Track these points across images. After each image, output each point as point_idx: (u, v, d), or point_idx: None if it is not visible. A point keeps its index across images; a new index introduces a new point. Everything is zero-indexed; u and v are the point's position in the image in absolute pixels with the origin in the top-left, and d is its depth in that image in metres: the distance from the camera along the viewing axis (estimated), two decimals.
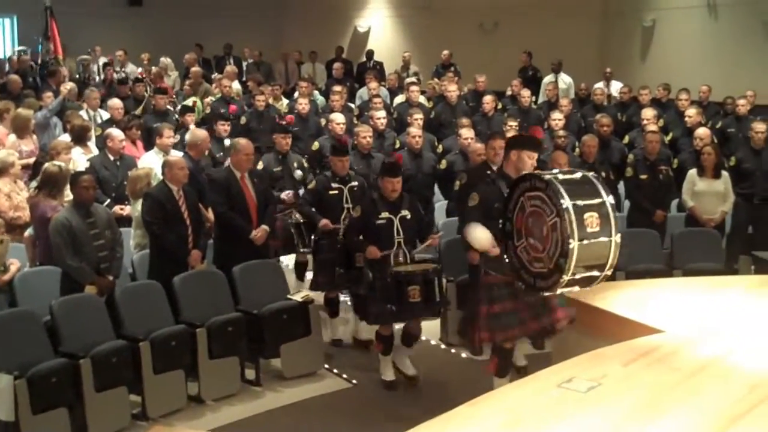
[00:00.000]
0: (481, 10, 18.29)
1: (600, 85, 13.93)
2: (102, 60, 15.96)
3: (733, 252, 8.66)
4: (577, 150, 9.60)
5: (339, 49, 18.51)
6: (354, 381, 7.17)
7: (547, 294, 5.67)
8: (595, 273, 5.38)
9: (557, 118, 10.62)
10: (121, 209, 8.35)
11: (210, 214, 7.84)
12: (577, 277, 5.30)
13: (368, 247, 6.92)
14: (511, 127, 9.86)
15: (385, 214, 6.99)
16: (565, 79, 15.00)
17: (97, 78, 15.45)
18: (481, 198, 6.06)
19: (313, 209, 7.83)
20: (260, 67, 17.30)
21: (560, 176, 5.39)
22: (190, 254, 7.16)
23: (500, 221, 5.65)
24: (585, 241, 5.18)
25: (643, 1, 16.93)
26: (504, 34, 18.20)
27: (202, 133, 8.86)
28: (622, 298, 6.39)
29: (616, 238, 5.28)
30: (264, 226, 7.55)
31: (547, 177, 5.35)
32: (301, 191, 8.55)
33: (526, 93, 12.61)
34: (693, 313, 6.15)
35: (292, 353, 7.08)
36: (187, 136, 8.91)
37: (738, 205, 9.03)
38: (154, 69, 15.28)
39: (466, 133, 9.37)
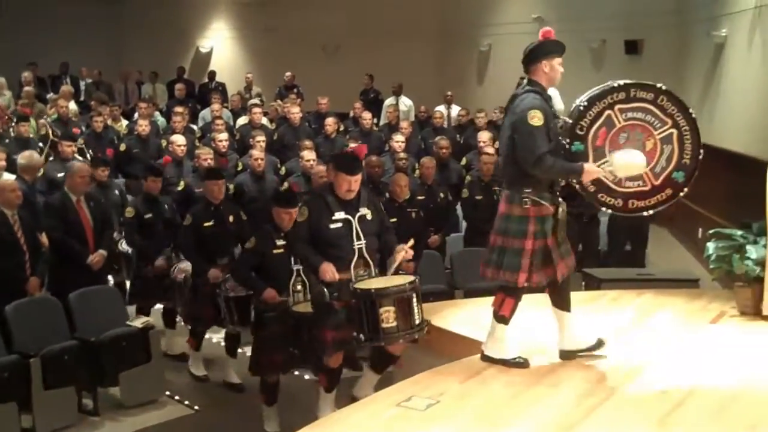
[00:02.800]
0: (324, 33, 18.48)
1: (441, 108, 14.27)
2: None
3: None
4: (417, 172, 9.81)
5: (180, 69, 18.28)
6: (196, 407, 7.09)
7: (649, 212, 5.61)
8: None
9: (398, 140, 10.81)
10: None
11: (44, 239, 7.58)
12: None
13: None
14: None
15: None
16: (405, 102, 15.30)
17: None
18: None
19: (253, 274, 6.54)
20: (99, 87, 16.85)
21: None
22: (29, 281, 6.92)
23: (566, 141, 5.33)
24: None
25: (479, 26, 17.50)
26: (346, 56, 18.42)
27: (35, 156, 8.60)
28: (460, 317, 6.58)
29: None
30: (101, 251, 7.40)
31: (658, 85, 5.37)
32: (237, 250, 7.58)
33: (367, 115, 12.79)
34: (527, 329, 6.39)
35: (132, 381, 6.94)
36: (20, 159, 8.59)
37: (568, 224, 9.39)
38: None
39: (308, 155, 9.43)
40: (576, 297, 7.72)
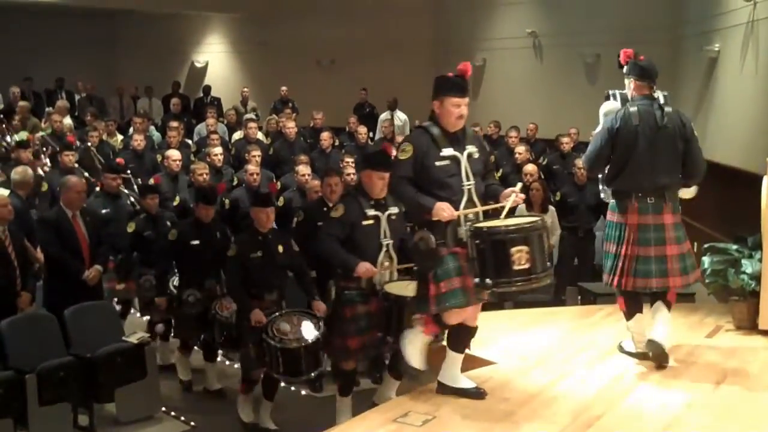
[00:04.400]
0: (318, 48, 18.52)
1: None
2: None
3: (561, 283, 9.03)
4: None
5: (176, 84, 18.29)
6: (192, 423, 7.07)
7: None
8: None
9: (392, 155, 10.79)
10: None
11: (40, 255, 7.57)
12: None
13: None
14: (348, 164, 10.00)
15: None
16: (400, 116, 15.32)
17: None
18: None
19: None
20: (93, 102, 16.85)
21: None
22: (19, 297, 6.90)
23: None
24: None
25: (474, 41, 17.55)
26: (341, 71, 18.46)
27: (27, 171, 8.59)
28: None
29: None
30: (97, 266, 7.37)
31: None
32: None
33: (362, 130, 12.82)
34: (523, 345, 6.41)
35: (128, 397, 6.91)
36: (14, 175, 8.58)
37: (564, 238, 9.43)
38: None
39: (303, 169, 9.43)
40: (571, 311, 7.81)
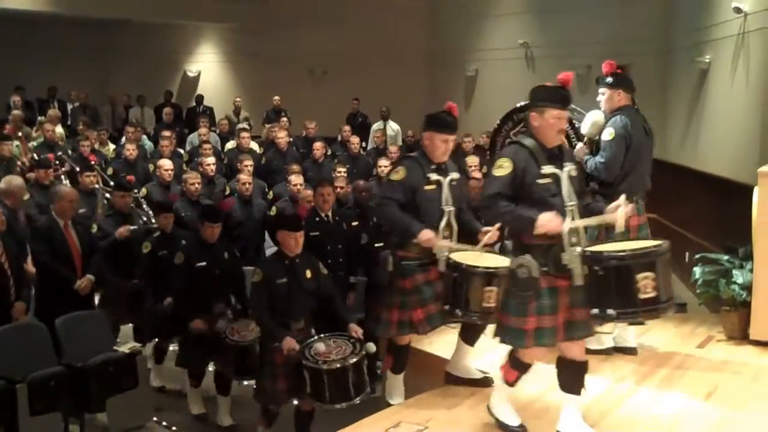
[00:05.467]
0: (311, 57, 18.55)
1: None
2: None
3: None
4: None
5: (168, 93, 18.29)
6: None
7: None
8: None
9: (385, 165, 10.81)
10: None
11: (30, 265, 7.55)
12: None
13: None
14: (340, 173, 10.02)
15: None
16: (393, 126, 15.34)
17: None
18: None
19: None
20: (86, 111, 16.84)
21: None
22: (13, 306, 6.89)
23: None
24: None
25: (466, 52, 17.61)
26: (333, 81, 18.49)
27: (18, 180, 8.55)
28: (449, 342, 6.56)
29: None
30: (89, 276, 7.34)
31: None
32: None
33: (355, 139, 12.83)
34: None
35: (119, 406, 6.87)
36: (1, 184, 8.53)
37: None
38: None
39: (296, 179, 9.44)
40: None
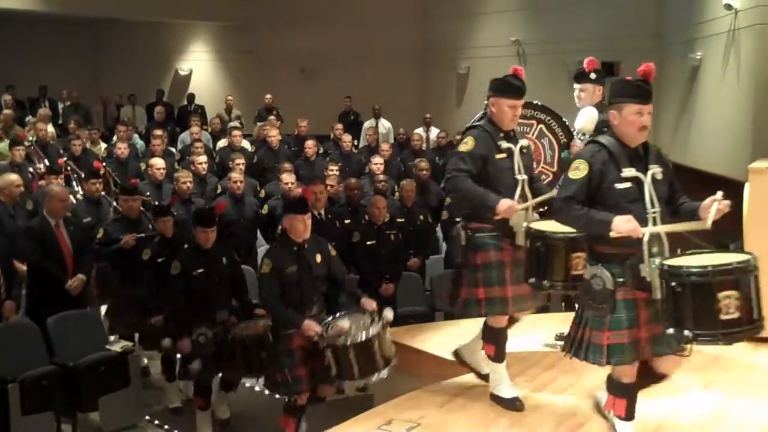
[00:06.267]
0: (303, 55, 18.53)
1: (419, 130, 14.36)
2: None
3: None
4: (397, 194, 9.83)
5: (160, 92, 18.26)
6: (176, 431, 7.04)
7: None
8: None
9: (378, 163, 10.83)
10: None
11: (20, 265, 7.52)
12: None
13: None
14: (333, 171, 10.02)
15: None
16: (384, 124, 15.35)
17: None
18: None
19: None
20: (77, 110, 16.81)
21: None
22: (4, 305, 6.87)
23: None
24: None
25: (458, 50, 17.62)
26: (326, 79, 18.48)
27: (12, 176, 8.53)
28: (439, 338, 6.59)
29: None
30: (80, 275, 7.34)
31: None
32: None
33: (347, 137, 12.82)
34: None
35: (112, 406, 6.89)
36: None
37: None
38: None
39: (287, 177, 9.44)
40: (556, 318, 7.80)
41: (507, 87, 5.15)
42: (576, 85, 6.29)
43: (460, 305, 5.26)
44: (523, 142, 5.22)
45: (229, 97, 17.35)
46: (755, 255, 4.12)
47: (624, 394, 4.51)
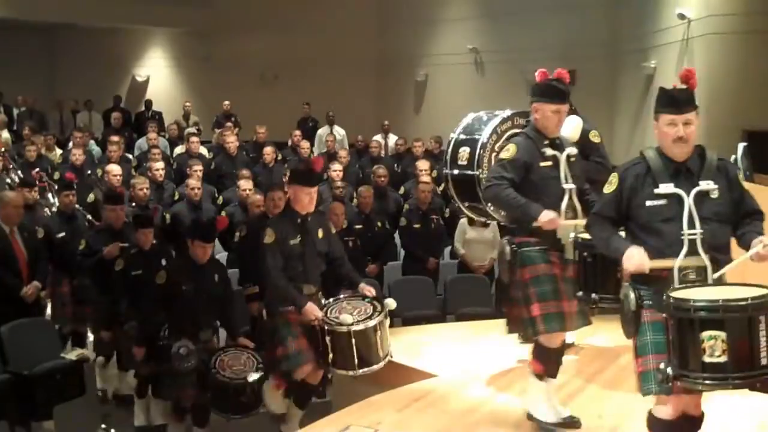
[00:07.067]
0: (262, 62, 18.53)
1: (378, 137, 14.40)
2: None
3: (501, 296, 9.09)
4: (355, 200, 9.85)
5: (117, 98, 18.12)
6: None
7: None
8: None
9: (336, 169, 10.84)
10: None
11: None
12: None
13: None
14: None
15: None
16: (339, 131, 15.34)
17: None
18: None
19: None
20: (33, 116, 16.61)
21: None
22: None
23: None
24: None
25: (416, 57, 17.71)
26: (284, 85, 18.48)
27: None
28: (397, 345, 6.60)
29: None
30: (35, 282, 7.25)
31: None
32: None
33: (305, 144, 12.84)
34: (463, 357, 6.46)
35: (67, 414, 6.81)
36: None
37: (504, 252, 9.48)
38: None
39: (245, 184, 9.41)
40: None
41: (550, 91, 4.99)
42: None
43: (515, 326, 5.13)
44: (571, 150, 4.98)
45: (187, 104, 17.25)
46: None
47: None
